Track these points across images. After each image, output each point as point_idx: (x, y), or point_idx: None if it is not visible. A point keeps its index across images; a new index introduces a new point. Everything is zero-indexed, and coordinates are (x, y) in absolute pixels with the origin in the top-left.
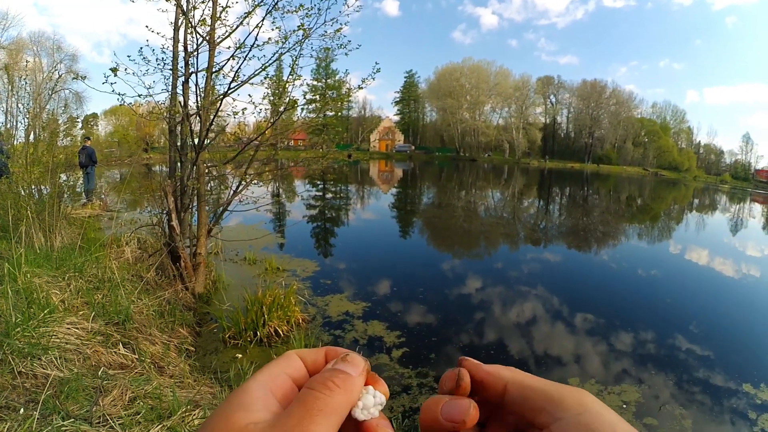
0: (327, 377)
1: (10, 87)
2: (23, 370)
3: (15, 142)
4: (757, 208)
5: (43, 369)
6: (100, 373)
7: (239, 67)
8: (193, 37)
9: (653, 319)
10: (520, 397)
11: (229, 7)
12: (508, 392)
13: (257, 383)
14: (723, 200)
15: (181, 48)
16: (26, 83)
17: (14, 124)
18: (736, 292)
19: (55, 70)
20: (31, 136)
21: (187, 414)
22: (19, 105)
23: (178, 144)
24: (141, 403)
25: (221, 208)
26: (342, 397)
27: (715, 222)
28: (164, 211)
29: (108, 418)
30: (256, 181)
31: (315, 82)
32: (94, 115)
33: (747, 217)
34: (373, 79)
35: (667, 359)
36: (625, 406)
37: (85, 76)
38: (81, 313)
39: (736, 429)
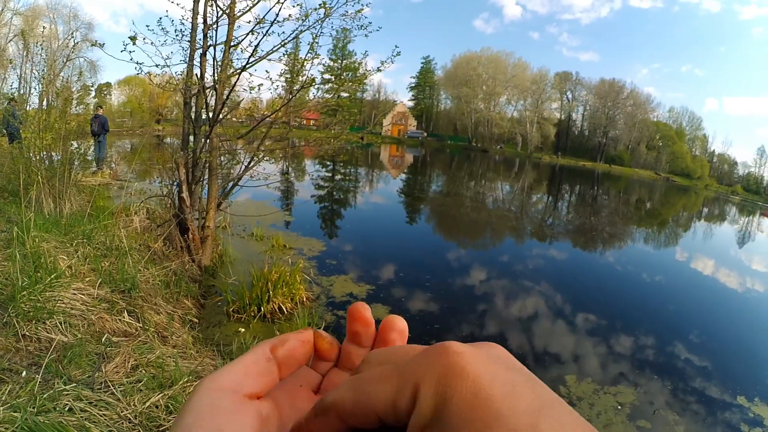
0: None
1: (25, 53)
2: (27, 333)
3: (28, 108)
4: (767, 222)
5: (48, 333)
6: (104, 339)
7: (258, 43)
8: (213, 9)
9: (654, 325)
10: None
11: None
12: None
13: None
14: (733, 211)
15: (200, 20)
16: (41, 50)
17: (28, 90)
18: (739, 305)
19: (71, 37)
20: (45, 103)
21: (188, 384)
22: (34, 71)
23: (193, 116)
24: (143, 371)
25: (231, 183)
26: None
27: (723, 233)
28: (175, 183)
29: (110, 384)
30: (267, 158)
31: (331, 63)
32: (108, 85)
33: (756, 230)
34: (392, 62)
35: (665, 366)
36: (620, 407)
37: (103, 44)
38: (87, 279)
39: None
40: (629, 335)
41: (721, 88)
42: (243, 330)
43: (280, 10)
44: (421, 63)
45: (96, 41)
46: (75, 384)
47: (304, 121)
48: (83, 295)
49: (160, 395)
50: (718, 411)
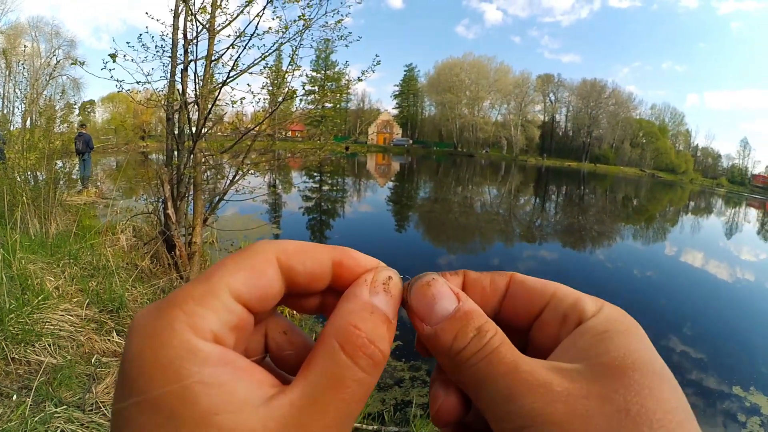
0: (371, 335)
1: (7, 72)
2: (17, 356)
3: (11, 128)
4: (753, 212)
5: (37, 355)
6: (93, 360)
7: (239, 56)
8: (192, 24)
9: (647, 320)
10: (522, 297)
11: None
12: (508, 295)
13: (209, 334)
14: (719, 204)
15: (180, 35)
16: (24, 68)
17: (11, 109)
18: (729, 296)
19: (53, 55)
20: (28, 122)
21: None
22: (17, 90)
23: (176, 132)
24: None
25: (217, 198)
26: (383, 367)
27: (710, 225)
28: (160, 200)
29: (101, 405)
30: (252, 171)
31: (314, 73)
32: (92, 102)
33: (742, 221)
34: (373, 71)
35: None
36: None
37: (84, 62)
38: (75, 300)
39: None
40: None
41: (702, 83)
42: None
43: (259, 23)
44: (404, 71)
45: (77, 59)
46: (66, 406)
47: (289, 133)
48: (71, 316)
49: None
50: (716, 402)
